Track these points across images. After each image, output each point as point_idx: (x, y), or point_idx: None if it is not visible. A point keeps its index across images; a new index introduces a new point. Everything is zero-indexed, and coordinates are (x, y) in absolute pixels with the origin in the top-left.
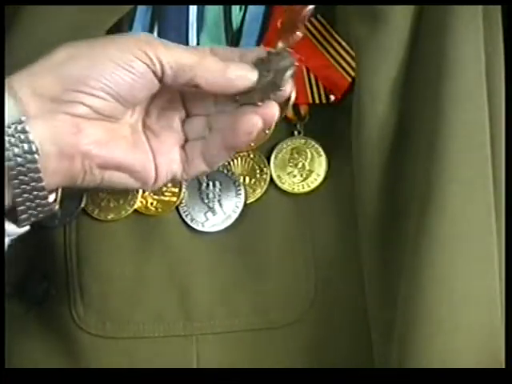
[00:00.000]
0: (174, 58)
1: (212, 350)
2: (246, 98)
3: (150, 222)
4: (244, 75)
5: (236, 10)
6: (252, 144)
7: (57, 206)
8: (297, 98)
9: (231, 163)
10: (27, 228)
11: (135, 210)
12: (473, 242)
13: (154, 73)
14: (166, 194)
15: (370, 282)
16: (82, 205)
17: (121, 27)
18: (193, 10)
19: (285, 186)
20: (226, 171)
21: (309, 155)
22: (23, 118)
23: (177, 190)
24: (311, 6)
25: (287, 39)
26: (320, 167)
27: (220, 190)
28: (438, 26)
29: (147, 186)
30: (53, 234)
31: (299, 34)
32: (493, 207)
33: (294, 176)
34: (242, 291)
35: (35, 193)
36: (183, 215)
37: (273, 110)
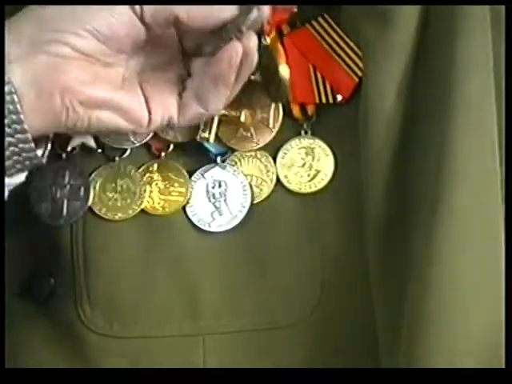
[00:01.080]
0: None
1: (218, 350)
2: (212, 47)
3: (156, 222)
4: (223, 6)
5: None
6: (258, 143)
7: (44, 160)
8: (304, 98)
9: (238, 163)
10: (21, 179)
11: (142, 210)
12: (483, 242)
13: (132, 8)
14: (173, 193)
15: (377, 281)
16: (89, 204)
17: None
18: None
19: (292, 186)
20: (232, 171)
21: (316, 155)
22: None
23: (183, 189)
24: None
25: None
26: (327, 167)
27: (226, 190)
28: (446, 26)
29: (141, 127)
30: (59, 233)
31: None
32: (502, 207)
33: (301, 176)
34: (249, 291)
35: (18, 136)
36: (190, 215)
37: (251, 40)
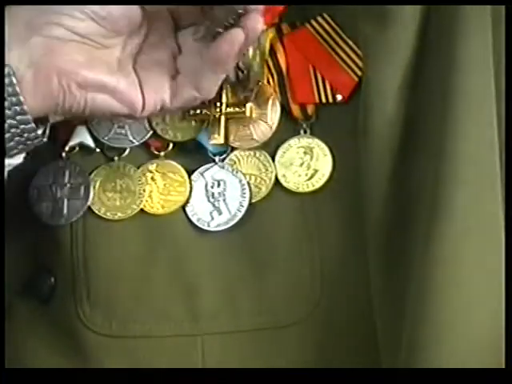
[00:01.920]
0: None
1: (217, 350)
2: (204, 32)
3: (156, 222)
4: None
5: None
6: (258, 140)
7: (45, 138)
8: (304, 98)
9: (237, 162)
10: (20, 160)
11: (141, 210)
12: (483, 242)
13: None
14: (173, 193)
15: (376, 281)
16: (89, 203)
17: None
18: None
19: (290, 185)
20: (231, 170)
21: (314, 154)
22: None
23: (183, 189)
24: None
25: None
26: (325, 167)
27: (225, 189)
28: (447, 26)
29: (135, 111)
30: (59, 233)
31: None
32: (502, 208)
33: (299, 175)
34: (248, 291)
35: (18, 117)
36: (189, 214)
37: (254, 19)
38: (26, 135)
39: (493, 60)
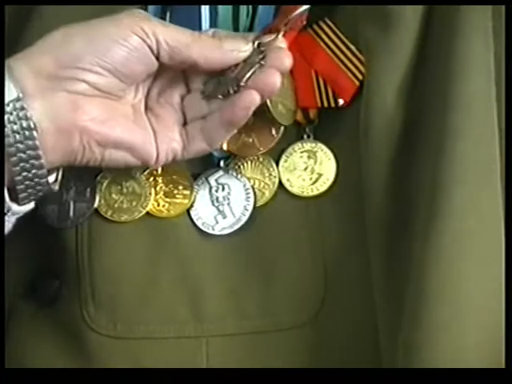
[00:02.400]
0: (170, 35)
1: (221, 352)
2: (211, 90)
3: (161, 225)
4: (239, 47)
5: (243, 16)
6: (261, 148)
7: (57, 187)
8: (306, 102)
9: (241, 167)
10: (31, 206)
11: (147, 213)
12: (481, 242)
13: (150, 48)
14: (178, 196)
15: (379, 283)
16: (95, 206)
17: None
18: (205, 16)
19: (294, 190)
20: (235, 174)
21: (318, 159)
22: (21, 95)
23: (188, 192)
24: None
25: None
26: (329, 171)
27: (230, 193)
28: (448, 27)
29: (149, 164)
30: (65, 235)
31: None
32: (501, 208)
33: (304, 179)
34: (252, 293)
35: (34, 171)
36: (194, 218)
37: (273, 79)
38: (39, 187)
39: (494, 60)
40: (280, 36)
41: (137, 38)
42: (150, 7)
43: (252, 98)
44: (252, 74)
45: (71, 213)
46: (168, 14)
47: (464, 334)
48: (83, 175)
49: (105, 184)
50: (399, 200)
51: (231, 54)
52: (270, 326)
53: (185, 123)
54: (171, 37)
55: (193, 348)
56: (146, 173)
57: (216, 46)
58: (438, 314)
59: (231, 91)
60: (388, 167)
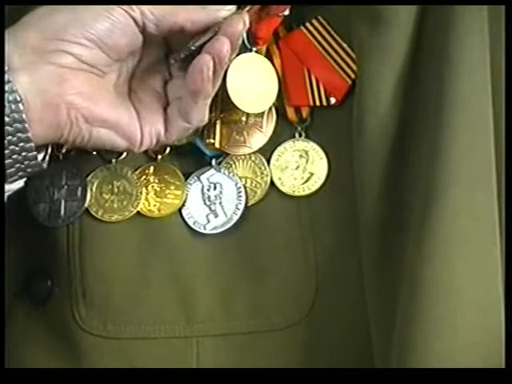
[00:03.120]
0: (155, 6)
1: (212, 352)
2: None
3: (152, 224)
4: (220, 7)
5: None
6: (252, 147)
7: (45, 164)
8: (298, 101)
9: (233, 166)
10: (20, 185)
11: (138, 212)
12: (475, 243)
13: (135, 20)
14: (169, 196)
15: (371, 283)
16: (86, 205)
17: None
18: None
19: (285, 189)
20: (227, 173)
21: (310, 158)
22: (6, 69)
23: (179, 192)
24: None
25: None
26: (321, 170)
27: (221, 192)
28: (442, 28)
29: (134, 146)
30: (56, 234)
31: None
32: (496, 209)
33: (295, 178)
34: (243, 293)
35: (21, 144)
36: (185, 217)
37: (220, 44)
38: (26, 162)
39: (490, 60)
40: (245, 11)
41: (120, 10)
42: None
43: (203, 61)
44: (205, 40)
45: (62, 212)
46: None
47: (457, 332)
48: (75, 174)
49: (96, 183)
50: (392, 200)
51: (216, 13)
52: (261, 326)
53: (167, 105)
54: (156, 7)
55: (183, 348)
56: (137, 172)
57: (200, 8)
58: (432, 313)
59: (182, 55)
60: (381, 167)
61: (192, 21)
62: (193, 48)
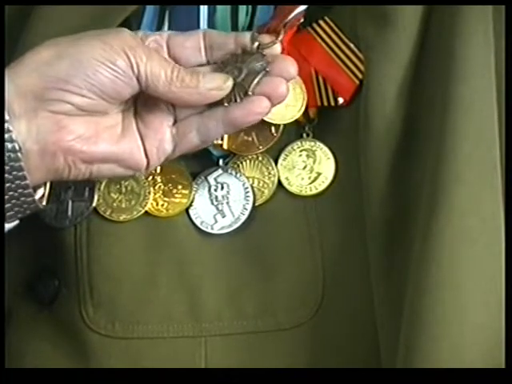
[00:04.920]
0: (151, 70)
1: (220, 352)
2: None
3: (160, 224)
4: (218, 86)
5: (242, 14)
6: (260, 148)
7: (44, 202)
8: (305, 101)
9: (240, 166)
10: (16, 223)
11: (146, 212)
12: (480, 243)
13: (135, 75)
14: (177, 196)
15: (378, 283)
16: (93, 205)
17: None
18: (203, 14)
19: (293, 189)
20: (234, 173)
21: (317, 158)
22: (7, 118)
23: (187, 192)
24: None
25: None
26: (328, 170)
27: (229, 192)
28: (447, 27)
29: (140, 171)
30: (64, 234)
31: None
32: (502, 208)
33: (302, 178)
34: (251, 293)
35: (20, 190)
36: (193, 217)
37: (282, 88)
38: (25, 206)
39: (494, 60)
40: (280, 37)
41: (123, 62)
42: (149, 7)
43: (265, 106)
44: (259, 81)
45: (69, 212)
46: (167, 13)
47: (464, 332)
48: None
49: (103, 183)
50: (399, 199)
51: (209, 94)
52: (268, 325)
53: (175, 121)
54: (152, 73)
55: (191, 348)
56: None
57: (194, 87)
58: (437, 314)
59: (238, 99)
60: (388, 167)
61: (183, 101)
62: (226, 105)
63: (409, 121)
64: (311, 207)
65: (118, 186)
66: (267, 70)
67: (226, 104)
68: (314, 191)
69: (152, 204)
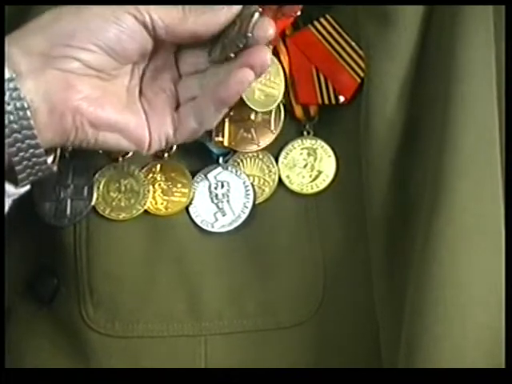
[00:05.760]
0: (163, 12)
1: (220, 351)
2: (218, 54)
3: (160, 223)
4: (230, 7)
5: None
6: (259, 144)
7: (55, 167)
8: (306, 99)
9: (240, 164)
10: (27, 188)
11: (145, 211)
12: (482, 241)
13: (144, 25)
14: (176, 194)
15: (379, 281)
16: (92, 204)
17: None
18: None
19: (293, 187)
20: (234, 171)
21: (318, 156)
22: (14, 76)
23: (186, 190)
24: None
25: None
26: (329, 168)
27: (229, 190)
28: (448, 27)
29: (142, 148)
30: (63, 233)
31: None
32: (503, 206)
33: (303, 176)
34: (251, 291)
35: (31, 150)
36: (193, 216)
37: (261, 54)
38: (37, 167)
39: (495, 59)
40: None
41: (128, 15)
42: None
43: (244, 74)
44: (254, 24)
45: (68, 211)
46: None
47: (466, 331)
48: (81, 173)
49: (103, 182)
50: (400, 198)
51: (225, 11)
52: (269, 324)
53: (177, 107)
54: (165, 14)
55: (191, 346)
56: (144, 170)
57: (207, 10)
58: (438, 313)
59: (240, 45)
60: (389, 165)
61: (204, 25)
62: (232, 56)
63: (410, 120)
64: (312, 205)
65: (118, 185)
66: (260, 11)
67: (232, 55)
68: (315, 189)
69: (151, 203)
